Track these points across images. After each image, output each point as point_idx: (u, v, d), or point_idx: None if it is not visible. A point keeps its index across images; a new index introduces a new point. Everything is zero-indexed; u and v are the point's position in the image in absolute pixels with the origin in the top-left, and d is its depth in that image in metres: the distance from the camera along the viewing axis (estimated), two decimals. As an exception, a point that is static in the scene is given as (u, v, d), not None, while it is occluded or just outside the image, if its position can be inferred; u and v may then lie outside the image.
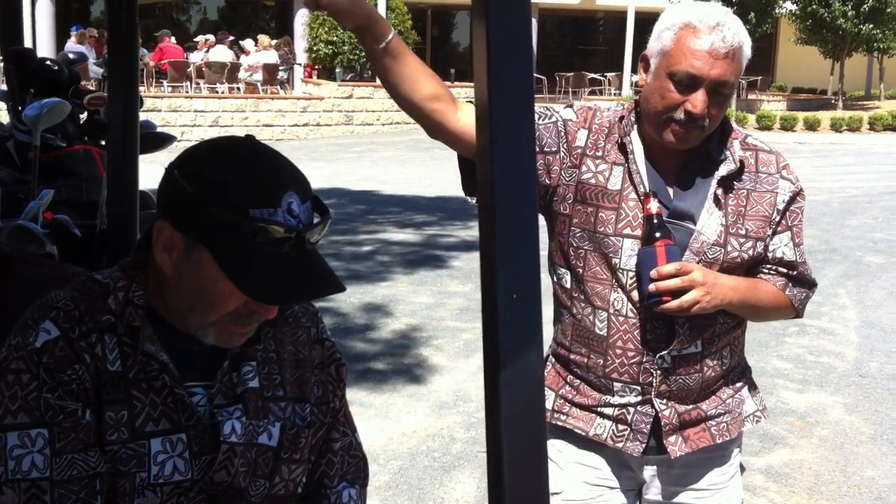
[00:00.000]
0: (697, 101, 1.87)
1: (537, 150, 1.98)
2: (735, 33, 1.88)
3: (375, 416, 4.80)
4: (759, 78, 28.93)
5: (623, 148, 2.01)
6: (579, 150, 2.01)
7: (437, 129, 1.94)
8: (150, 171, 2.36)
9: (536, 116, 2.01)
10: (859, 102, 29.61)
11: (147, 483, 1.37)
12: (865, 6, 26.31)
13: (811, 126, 23.65)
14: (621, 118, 2.05)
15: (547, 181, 2.02)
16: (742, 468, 2.24)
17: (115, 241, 2.24)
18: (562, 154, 2.01)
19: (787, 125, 23.69)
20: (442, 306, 7.03)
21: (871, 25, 26.71)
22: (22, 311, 1.43)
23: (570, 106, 2.09)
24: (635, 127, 2.03)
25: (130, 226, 2.21)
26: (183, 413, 1.39)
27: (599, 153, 2.02)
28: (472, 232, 9.84)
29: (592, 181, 2.00)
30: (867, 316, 7.06)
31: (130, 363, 1.38)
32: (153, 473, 1.37)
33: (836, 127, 23.73)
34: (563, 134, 2.02)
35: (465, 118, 1.93)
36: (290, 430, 1.49)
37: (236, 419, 1.42)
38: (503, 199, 0.82)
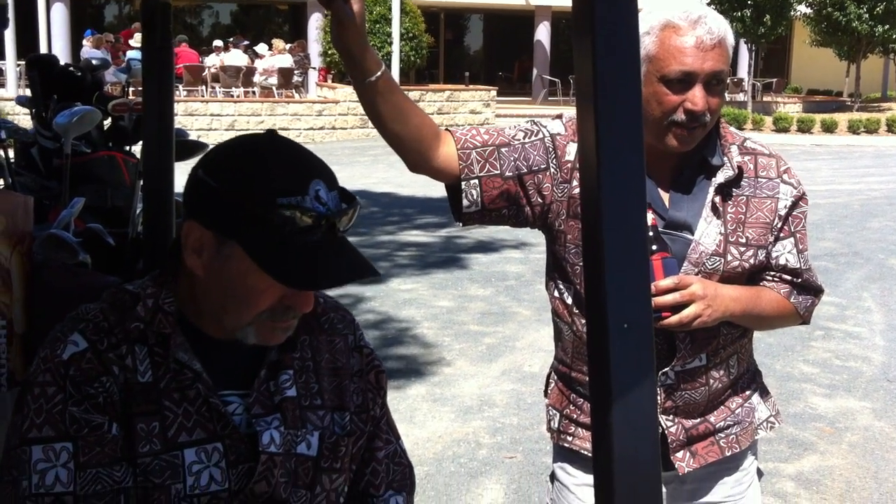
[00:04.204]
0: (696, 97, 1.82)
1: (526, 170, 1.92)
2: (718, 23, 1.84)
3: (400, 420, 4.73)
4: (774, 80, 28.79)
5: None
6: (570, 165, 1.94)
7: (416, 165, 1.90)
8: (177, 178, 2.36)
9: (522, 135, 1.96)
10: (874, 104, 29.41)
11: (183, 495, 1.34)
12: (879, 8, 26.14)
13: (828, 128, 23.49)
14: None
15: (540, 199, 1.94)
16: (760, 473, 2.18)
17: (151, 250, 2.22)
18: (552, 170, 1.94)
19: (805, 127, 23.53)
20: (463, 310, 7.00)
21: (886, 27, 26.54)
22: (55, 322, 1.41)
23: (560, 117, 2.02)
24: None
25: (167, 234, 2.20)
26: (218, 422, 1.37)
27: None
28: (488, 233, 9.81)
29: None
30: (893, 320, 6.99)
31: (162, 373, 1.36)
32: (189, 484, 1.34)
33: (853, 129, 23.56)
34: (551, 149, 1.94)
35: (445, 153, 1.89)
36: (330, 439, 1.47)
37: (275, 429, 1.40)
38: (612, 216, 0.78)
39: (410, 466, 1.67)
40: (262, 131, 1.40)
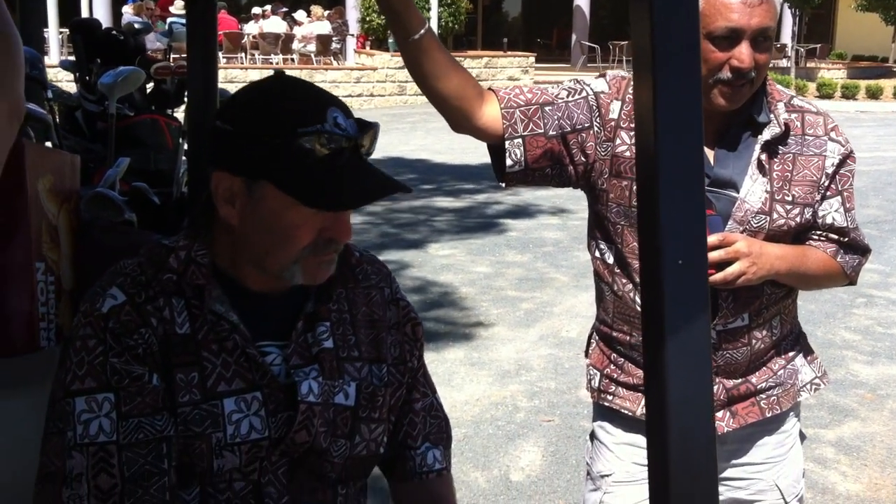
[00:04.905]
0: (743, 54, 1.80)
1: (569, 129, 1.92)
2: None
3: (438, 383, 4.71)
4: (819, 46, 28.25)
5: None
6: (613, 123, 1.93)
7: (460, 125, 1.90)
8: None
9: (565, 93, 1.95)
10: (922, 70, 28.78)
11: (224, 443, 1.37)
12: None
13: (873, 94, 23.04)
14: None
15: (583, 158, 1.94)
16: (803, 436, 2.17)
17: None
18: (595, 129, 1.93)
19: (849, 93, 23.11)
20: (501, 276, 7.01)
21: (936, -10, 25.92)
22: (102, 279, 1.45)
23: (603, 75, 2.01)
24: None
25: (211, 193, 2.22)
26: (256, 372, 1.39)
27: (634, 125, 1.94)
28: (525, 200, 9.78)
29: (627, 154, 1.92)
30: (937, 288, 6.89)
31: (199, 325, 1.38)
32: (229, 433, 1.37)
33: (899, 95, 23.11)
34: (594, 108, 1.94)
35: (489, 113, 1.89)
36: (367, 390, 1.49)
37: (313, 379, 1.42)
38: (667, 147, 0.77)
39: (447, 420, 1.69)
40: (270, 75, 1.43)
